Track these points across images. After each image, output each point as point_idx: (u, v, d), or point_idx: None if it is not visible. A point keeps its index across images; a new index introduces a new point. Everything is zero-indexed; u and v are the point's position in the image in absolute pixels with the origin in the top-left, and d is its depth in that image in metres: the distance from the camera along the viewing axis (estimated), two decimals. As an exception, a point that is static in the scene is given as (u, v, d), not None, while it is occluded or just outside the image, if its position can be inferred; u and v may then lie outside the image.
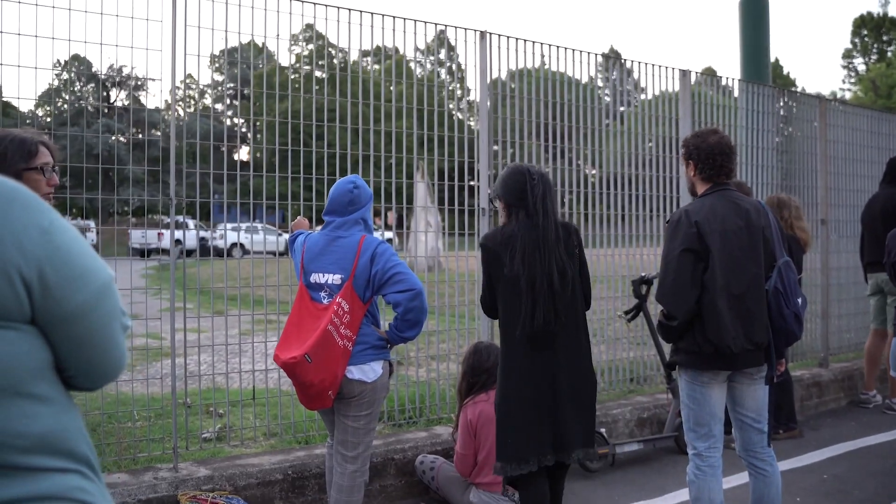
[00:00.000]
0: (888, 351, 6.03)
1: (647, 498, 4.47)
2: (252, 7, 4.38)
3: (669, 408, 5.37)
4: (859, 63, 56.74)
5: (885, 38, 54.95)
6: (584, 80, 5.88)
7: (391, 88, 5.27)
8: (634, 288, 5.22)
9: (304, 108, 4.81)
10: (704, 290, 3.23)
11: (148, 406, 4.58)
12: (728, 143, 3.46)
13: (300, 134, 4.76)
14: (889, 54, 53.10)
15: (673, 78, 6.30)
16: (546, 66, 5.71)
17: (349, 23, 4.76)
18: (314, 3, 4.57)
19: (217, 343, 4.50)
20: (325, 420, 3.65)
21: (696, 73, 6.54)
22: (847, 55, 57.53)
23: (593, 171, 6.29)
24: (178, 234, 4.34)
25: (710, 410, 3.36)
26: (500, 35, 5.35)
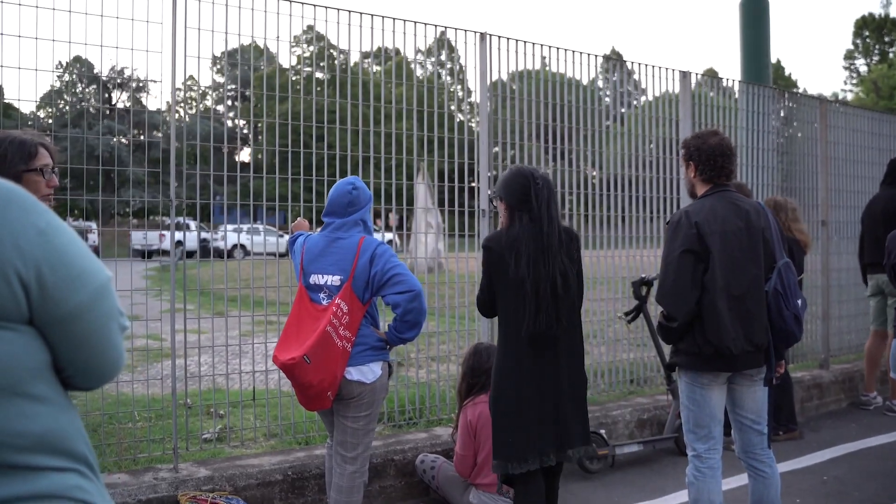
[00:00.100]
0: (888, 352, 6.03)
1: (647, 499, 4.48)
2: (252, 9, 4.39)
3: (669, 409, 5.37)
4: (861, 64, 56.71)
5: (886, 39, 54.90)
6: (585, 81, 5.89)
7: (392, 90, 5.28)
8: (634, 289, 5.22)
9: (305, 110, 4.82)
10: (704, 292, 3.23)
11: (148, 407, 4.59)
12: (728, 145, 3.47)
13: (301, 135, 4.77)
14: (891, 55, 53.07)
15: (673, 79, 6.31)
16: (546, 68, 5.72)
17: (349, 24, 4.77)
18: (314, 5, 4.58)
19: (217, 344, 4.51)
20: (324, 421, 3.66)
21: (697, 74, 6.55)
22: (848, 56, 57.50)
23: (594, 173, 6.30)
24: (179, 235, 4.35)
25: (710, 412, 3.36)
26: (499, 37, 5.36)
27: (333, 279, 3.34)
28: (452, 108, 6.35)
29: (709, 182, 3.46)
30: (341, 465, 3.39)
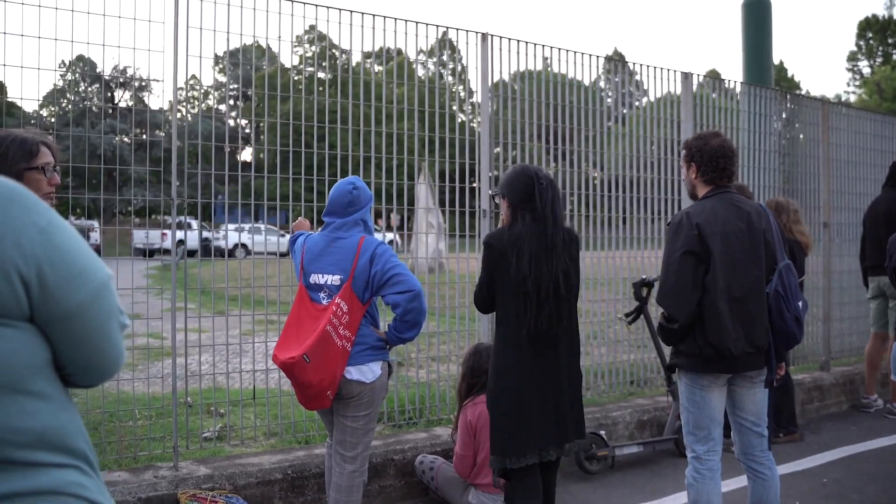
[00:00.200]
0: (889, 355, 6.02)
1: (646, 500, 4.48)
2: (254, 9, 4.40)
3: (669, 410, 5.37)
4: (864, 66, 56.65)
5: (890, 41, 54.83)
6: (587, 82, 5.89)
7: (393, 90, 5.29)
8: (635, 290, 5.22)
9: (307, 110, 4.83)
10: (705, 293, 3.23)
11: (149, 405, 4.60)
12: (730, 146, 3.47)
13: (302, 135, 4.77)
14: (894, 57, 53.01)
15: (675, 80, 6.31)
16: (548, 69, 5.73)
17: (351, 24, 4.77)
18: (316, 5, 4.59)
19: (218, 343, 4.52)
20: (324, 420, 3.66)
21: (699, 75, 6.55)
22: (852, 58, 57.44)
23: (595, 174, 6.30)
24: (181, 234, 4.36)
25: (710, 414, 3.36)
26: (501, 37, 5.37)
27: (333, 279, 3.35)
28: (454, 108, 6.35)
29: (710, 183, 3.46)
30: (341, 465, 3.40)
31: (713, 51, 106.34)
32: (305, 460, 4.19)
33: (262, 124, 5.20)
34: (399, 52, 5.03)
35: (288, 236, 4.11)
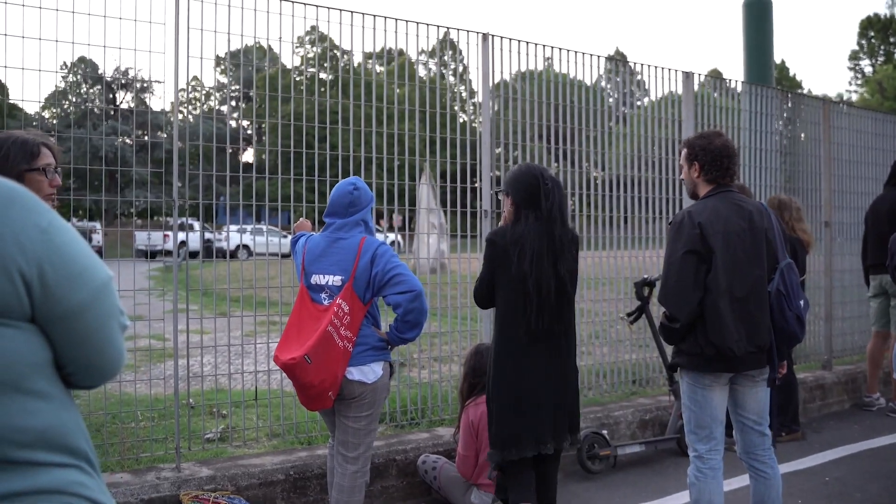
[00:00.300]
0: (891, 353, 6.02)
1: (649, 499, 4.47)
2: (255, 10, 4.41)
3: (671, 410, 5.36)
4: (866, 65, 56.58)
5: (892, 39, 54.76)
6: (588, 82, 5.89)
7: (395, 90, 5.29)
8: (637, 290, 5.22)
9: (309, 111, 4.83)
10: (707, 292, 3.23)
11: (151, 406, 4.60)
12: (732, 146, 3.48)
13: (304, 136, 4.78)
14: (896, 56, 52.97)
15: (676, 80, 6.31)
16: (550, 69, 5.73)
17: (352, 25, 4.78)
18: (317, 6, 4.59)
19: (220, 344, 4.52)
20: (326, 420, 3.67)
21: (700, 75, 6.55)
22: (853, 57, 57.37)
23: (596, 174, 6.30)
24: (183, 235, 4.36)
25: (712, 413, 3.36)
26: (502, 37, 5.37)
27: (334, 279, 3.35)
28: (455, 108, 6.35)
29: (712, 182, 3.45)
30: (343, 465, 3.40)
31: (714, 50, 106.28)
32: (307, 461, 4.20)
33: (263, 125, 5.20)
34: (400, 52, 5.04)
35: (289, 237, 4.11)
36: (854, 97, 53.22)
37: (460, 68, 5.66)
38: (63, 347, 1.15)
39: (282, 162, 4.61)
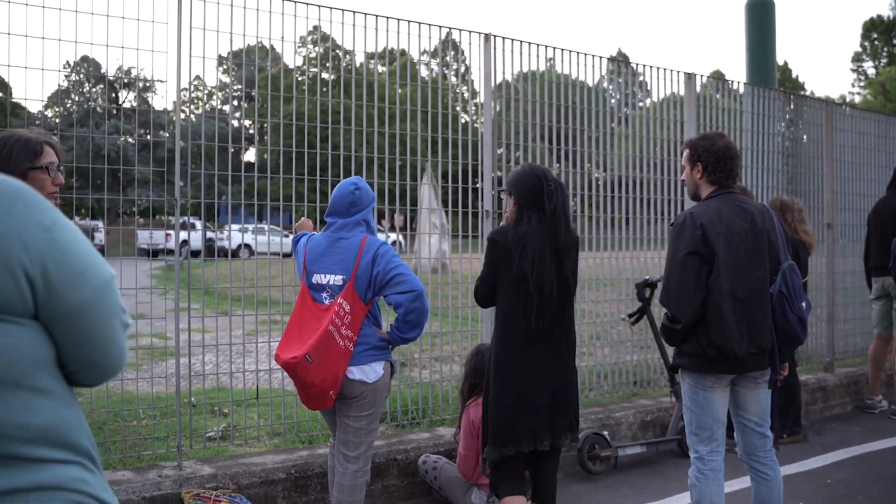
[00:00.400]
0: (893, 356, 6.01)
1: (649, 501, 4.47)
2: (257, 9, 4.41)
3: (672, 411, 5.36)
4: (869, 66, 56.48)
5: (895, 41, 54.67)
6: (590, 83, 5.89)
7: (397, 91, 5.29)
8: (638, 291, 5.22)
9: (311, 110, 4.84)
10: (709, 294, 3.23)
11: (153, 405, 4.61)
12: (735, 147, 3.49)
13: (306, 135, 4.78)
14: (899, 58, 52.87)
15: (678, 81, 6.31)
16: (552, 69, 5.73)
17: (354, 25, 4.78)
18: (320, 6, 4.60)
19: (222, 343, 4.53)
20: (326, 419, 3.67)
21: (702, 76, 6.54)
22: (856, 58, 57.28)
23: (598, 175, 6.30)
24: (185, 234, 4.37)
25: (713, 414, 3.36)
26: (504, 38, 5.37)
27: (336, 279, 3.35)
28: (457, 109, 6.36)
29: (715, 184, 3.45)
30: (344, 465, 3.40)
31: (717, 51, 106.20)
32: (308, 460, 4.20)
33: (265, 125, 5.21)
34: (402, 52, 5.04)
35: (291, 237, 4.12)
36: (857, 99, 53.14)
37: (462, 69, 5.66)
38: (66, 345, 1.15)
39: (283, 161, 4.61)
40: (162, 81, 4.23)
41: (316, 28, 4.99)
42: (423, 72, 5.68)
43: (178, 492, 3.78)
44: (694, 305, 3.23)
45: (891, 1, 59.49)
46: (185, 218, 4.33)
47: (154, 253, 8.68)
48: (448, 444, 4.60)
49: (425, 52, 5.18)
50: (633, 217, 6.15)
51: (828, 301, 7.23)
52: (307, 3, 4.54)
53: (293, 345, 3.27)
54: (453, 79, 6.72)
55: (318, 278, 3.40)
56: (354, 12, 4.77)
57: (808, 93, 42.08)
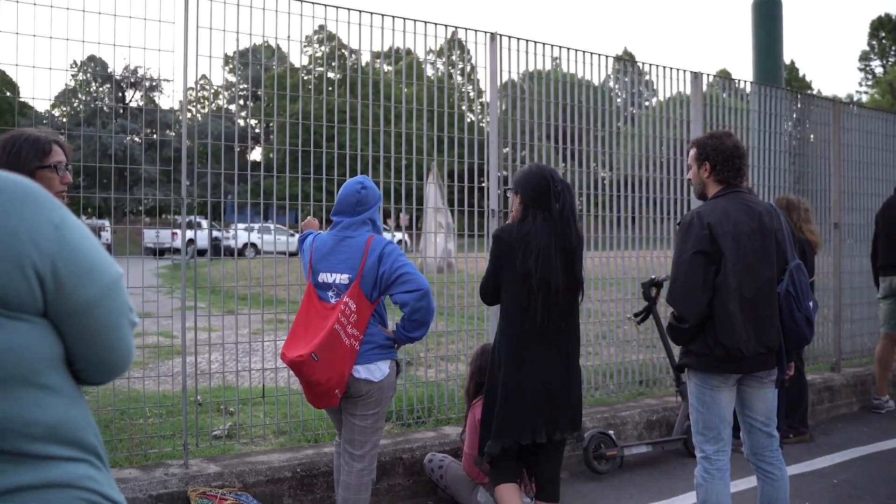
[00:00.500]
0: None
1: (655, 500, 4.47)
2: (264, 9, 4.42)
3: (678, 410, 5.35)
4: (876, 65, 56.25)
5: (902, 40, 54.42)
6: (596, 82, 5.88)
7: (403, 90, 5.29)
8: (644, 290, 5.21)
9: (317, 110, 4.84)
10: (716, 293, 3.22)
11: (159, 403, 4.62)
12: (743, 146, 3.49)
13: (312, 135, 4.79)
14: (906, 57, 52.61)
15: (685, 80, 6.29)
16: (558, 68, 5.72)
17: (360, 24, 4.78)
18: (326, 5, 4.60)
19: (228, 342, 4.54)
20: (332, 418, 3.67)
21: (709, 75, 6.52)
22: (864, 58, 57.05)
23: (605, 174, 6.29)
24: (191, 233, 4.38)
25: (720, 414, 3.35)
26: (510, 37, 5.37)
27: (342, 278, 3.36)
28: (463, 108, 6.35)
29: (722, 183, 3.44)
30: (349, 463, 3.41)
31: (723, 50, 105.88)
32: (314, 459, 4.21)
33: (271, 124, 5.22)
34: (408, 51, 5.04)
35: (297, 236, 4.13)
36: (864, 98, 52.91)
37: (468, 68, 5.65)
38: (74, 343, 1.16)
39: (289, 161, 4.62)
40: (169, 81, 4.25)
41: (322, 27, 5.00)
42: (430, 71, 5.68)
43: (184, 490, 3.79)
44: (701, 305, 3.22)
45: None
46: (192, 217, 4.34)
47: (160, 252, 8.70)
48: (453, 443, 4.61)
49: (431, 51, 5.19)
50: (638, 216, 6.14)
51: (834, 301, 7.20)
52: (313, 3, 4.54)
53: (299, 343, 3.27)
54: (459, 78, 6.72)
55: (325, 277, 3.41)
56: (360, 11, 4.77)
57: (815, 92, 41.92)
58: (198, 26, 4.15)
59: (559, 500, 3.55)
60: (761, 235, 3.31)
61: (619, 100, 6.73)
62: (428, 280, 3.40)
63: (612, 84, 6.76)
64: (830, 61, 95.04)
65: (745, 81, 7.07)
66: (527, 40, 5.47)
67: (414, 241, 6.63)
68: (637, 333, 5.98)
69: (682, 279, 3.29)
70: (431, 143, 5.09)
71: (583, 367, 3.64)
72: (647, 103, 7.14)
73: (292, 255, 4.68)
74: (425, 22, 5.02)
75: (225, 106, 4.97)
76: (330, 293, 3.38)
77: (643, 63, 6.76)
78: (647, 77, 7.13)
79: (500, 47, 5.29)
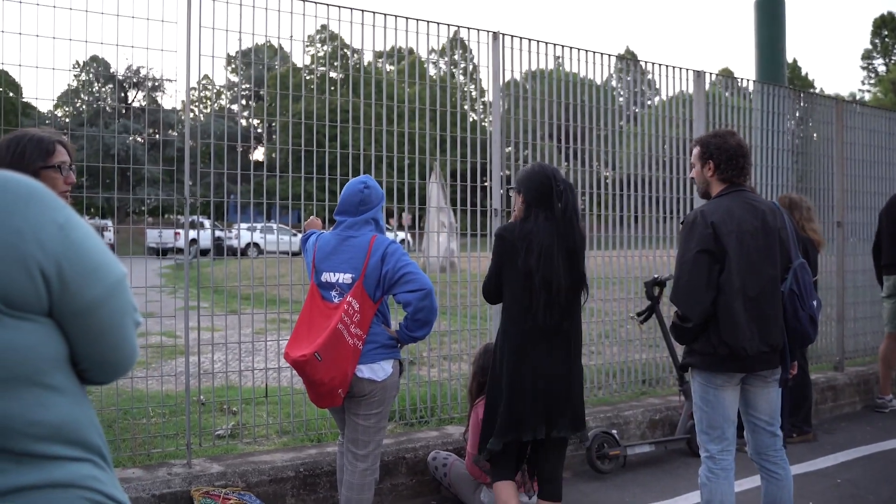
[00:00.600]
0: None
1: (659, 500, 4.46)
2: (266, 8, 4.42)
3: (682, 410, 5.35)
4: (879, 64, 56.14)
5: (905, 39, 54.30)
6: (599, 81, 5.88)
7: (405, 89, 5.29)
8: (647, 289, 5.20)
9: (319, 109, 4.84)
10: (720, 292, 3.22)
11: (162, 403, 4.63)
12: (746, 145, 3.49)
13: (315, 134, 4.79)
14: (909, 55, 52.49)
15: (687, 79, 6.28)
16: (560, 68, 5.72)
17: (363, 24, 4.78)
18: (328, 5, 4.60)
19: (231, 341, 4.54)
20: (335, 418, 3.68)
21: (711, 74, 6.51)
22: (867, 56, 56.94)
23: (607, 173, 6.28)
24: (194, 233, 4.38)
25: (723, 413, 3.35)
26: (512, 36, 5.36)
27: (345, 277, 3.36)
28: (466, 107, 6.35)
29: (726, 182, 3.44)
30: (353, 463, 3.41)
31: (726, 49, 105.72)
32: (317, 458, 4.21)
33: (274, 124, 5.22)
34: (411, 51, 5.04)
35: (300, 235, 4.13)
36: (867, 96, 52.82)
37: (470, 67, 5.66)
38: (78, 343, 1.16)
39: (292, 160, 4.62)
40: (171, 81, 4.27)
41: (324, 27, 4.99)
42: (432, 70, 5.68)
43: (187, 490, 3.79)
44: (705, 304, 3.22)
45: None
46: (195, 217, 4.34)
47: (163, 252, 8.72)
48: (457, 442, 4.60)
49: (433, 50, 5.19)
50: (641, 215, 6.14)
51: (838, 300, 7.19)
52: (315, 2, 4.54)
53: (302, 343, 3.27)
54: (461, 77, 6.71)
55: (328, 277, 3.41)
56: (363, 11, 4.77)
57: (817, 90, 41.85)
58: (200, 26, 4.15)
59: (561, 499, 3.55)
60: (765, 234, 3.31)
61: (621, 99, 6.73)
62: (431, 279, 3.40)
63: (614, 83, 6.75)
64: (833, 60, 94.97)
65: (748, 80, 7.07)
66: (529, 39, 5.47)
67: (417, 240, 6.63)
68: (640, 333, 5.97)
69: (685, 278, 3.28)
70: (434, 142, 5.09)
71: (586, 367, 3.64)
72: (649, 102, 7.13)
73: (295, 254, 4.68)
74: (427, 21, 5.02)
75: (227, 106, 4.97)
76: (333, 293, 3.38)
77: (646, 62, 6.75)
78: (650, 76, 7.11)
79: (503, 46, 5.29)
